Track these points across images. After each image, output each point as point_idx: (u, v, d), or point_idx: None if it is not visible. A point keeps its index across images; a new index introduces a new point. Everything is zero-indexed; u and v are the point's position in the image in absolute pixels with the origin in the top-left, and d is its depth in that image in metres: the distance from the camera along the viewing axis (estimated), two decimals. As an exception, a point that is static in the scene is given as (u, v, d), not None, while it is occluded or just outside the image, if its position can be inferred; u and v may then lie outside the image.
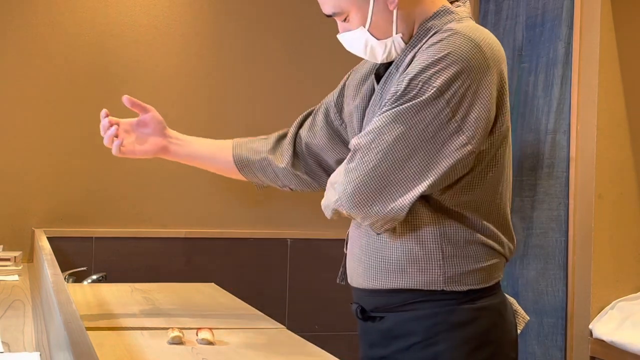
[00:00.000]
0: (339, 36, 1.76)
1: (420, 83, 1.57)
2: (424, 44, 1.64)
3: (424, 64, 1.58)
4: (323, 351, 1.70)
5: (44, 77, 3.49)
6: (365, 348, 1.77)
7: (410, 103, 1.56)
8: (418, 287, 1.65)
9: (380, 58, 1.74)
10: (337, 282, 1.89)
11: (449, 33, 1.61)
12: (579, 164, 2.99)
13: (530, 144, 3.20)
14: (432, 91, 1.56)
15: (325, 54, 3.72)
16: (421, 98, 1.56)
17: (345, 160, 1.61)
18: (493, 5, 3.60)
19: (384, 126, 1.56)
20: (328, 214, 1.63)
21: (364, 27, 1.70)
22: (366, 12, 1.68)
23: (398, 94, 1.58)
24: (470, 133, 1.59)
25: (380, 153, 1.55)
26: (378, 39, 1.70)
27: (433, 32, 1.66)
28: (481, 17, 3.69)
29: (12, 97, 3.47)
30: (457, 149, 1.58)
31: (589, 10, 2.97)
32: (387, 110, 1.57)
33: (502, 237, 1.69)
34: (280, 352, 1.69)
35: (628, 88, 2.96)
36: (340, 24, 1.75)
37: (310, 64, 3.74)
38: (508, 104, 1.69)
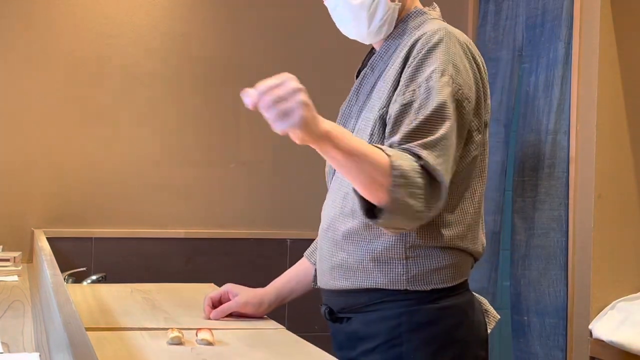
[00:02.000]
0: None
1: (449, 80, 1.57)
2: (411, 43, 1.64)
3: (438, 64, 1.58)
4: (323, 351, 1.69)
5: (43, 77, 3.49)
6: (336, 350, 1.77)
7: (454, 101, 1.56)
8: (382, 287, 1.65)
9: (375, 23, 1.72)
10: (312, 286, 1.90)
11: (442, 32, 1.62)
12: (579, 164, 2.99)
13: (531, 144, 3.20)
14: (460, 92, 1.57)
15: (326, 57, 3.72)
16: (456, 101, 1.57)
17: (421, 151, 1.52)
18: (493, 5, 3.60)
19: (437, 123, 1.53)
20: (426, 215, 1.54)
21: None
22: None
23: (430, 90, 1.55)
24: (482, 128, 1.63)
25: (445, 155, 1.53)
26: None
27: (414, 36, 1.67)
28: (481, 17, 3.69)
29: (12, 97, 3.46)
30: (476, 147, 1.61)
31: (589, 10, 2.97)
32: (428, 114, 1.54)
33: (471, 236, 1.68)
34: (280, 353, 1.69)
35: (628, 88, 2.96)
36: None
37: (311, 65, 3.74)
38: (489, 102, 1.71)
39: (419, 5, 1.78)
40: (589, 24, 2.97)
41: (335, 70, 3.61)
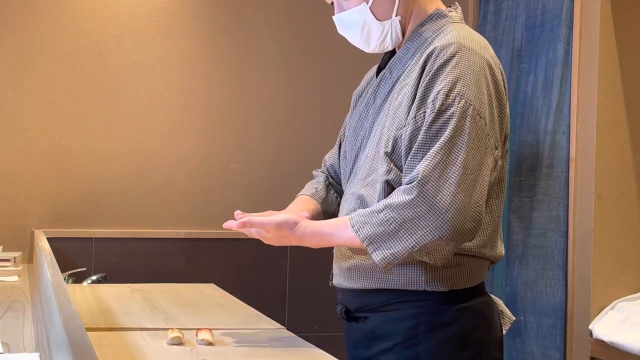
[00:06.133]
0: (335, 17, 1.76)
1: (457, 98, 1.56)
2: (425, 58, 1.63)
3: (448, 81, 1.57)
4: (323, 351, 1.70)
5: (43, 77, 3.49)
6: (350, 349, 1.77)
7: (459, 126, 1.56)
8: (400, 287, 1.65)
9: (374, 44, 1.73)
10: (329, 284, 1.90)
11: (454, 47, 1.60)
12: (578, 164, 2.99)
13: (530, 144, 3.20)
14: (471, 109, 1.57)
15: (325, 57, 3.71)
16: (467, 119, 1.56)
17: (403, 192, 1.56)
18: (493, 5, 3.60)
19: (444, 157, 1.55)
20: (389, 263, 1.58)
21: (367, 3, 1.69)
22: None
23: (436, 112, 1.57)
24: (499, 143, 1.63)
25: (454, 185, 1.54)
26: (377, 20, 1.70)
27: (429, 41, 1.67)
28: (481, 17, 3.69)
29: (12, 97, 3.47)
30: (494, 162, 1.62)
31: (589, 10, 2.97)
32: (436, 135, 1.56)
33: (490, 245, 1.68)
34: (280, 353, 1.69)
35: (628, 88, 2.96)
36: (337, 4, 1.75)
37: (310, 66, 3.74)
38: (508, 107, 1.70)
39: (441, 6, 1.75)
40: (589, 24, 2.97)
41: (349, 65, 3.61)
